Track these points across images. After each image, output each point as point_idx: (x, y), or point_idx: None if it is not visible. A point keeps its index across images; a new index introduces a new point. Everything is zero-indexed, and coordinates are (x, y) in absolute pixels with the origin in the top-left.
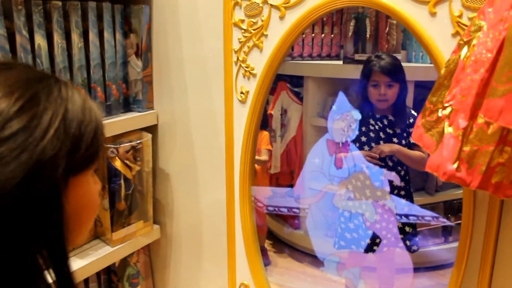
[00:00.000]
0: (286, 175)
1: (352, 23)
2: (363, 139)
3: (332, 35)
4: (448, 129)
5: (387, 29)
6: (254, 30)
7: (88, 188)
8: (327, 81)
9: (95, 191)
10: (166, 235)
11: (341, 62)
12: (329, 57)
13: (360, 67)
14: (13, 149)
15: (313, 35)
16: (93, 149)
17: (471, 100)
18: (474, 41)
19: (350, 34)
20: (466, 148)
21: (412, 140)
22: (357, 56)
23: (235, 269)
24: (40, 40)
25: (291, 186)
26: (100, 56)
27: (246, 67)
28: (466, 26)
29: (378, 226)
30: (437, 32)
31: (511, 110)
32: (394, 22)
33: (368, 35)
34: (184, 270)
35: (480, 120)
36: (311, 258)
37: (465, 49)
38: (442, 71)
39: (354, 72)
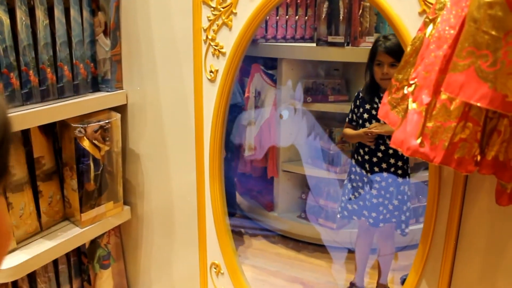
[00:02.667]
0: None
1: (326, 5)
2: (365, 116)
3: (306, 18)
4: (412, 105)
5: (360, 11)
6: (223, 8)
7: None
8: (301, 63)
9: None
10: (137, 216)
11: (314, 44)
12: (303, 39)
13: (333, 49)
14: None
15: (287, 17)
16: None
17: (434, 76)
18: (439, 19)
19: (323, 16)
20: (430, 124)
21: None
22: (330, 38)
23: (206, 249)
24: (1, 14)
25: (265, 168)
26: (66, 34)
27: (215, 46)
28: (432, 4)
29: (374, 201)
30: (404, 11)
31: (471, 84)
32: (367, 4)
33: (341, 18)
34: (156, 250)
35: (443, 96)
36: (285, 239)
37: (431, 27)
38: (408, 49)
39: (327, 54)
